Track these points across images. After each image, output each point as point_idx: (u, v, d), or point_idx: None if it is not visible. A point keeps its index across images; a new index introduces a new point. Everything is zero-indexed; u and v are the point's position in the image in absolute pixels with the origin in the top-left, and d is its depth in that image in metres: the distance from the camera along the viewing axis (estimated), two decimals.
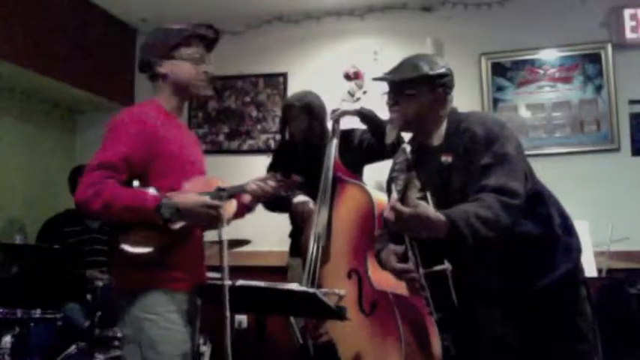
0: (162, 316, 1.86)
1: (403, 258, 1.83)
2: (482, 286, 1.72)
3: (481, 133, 1.75)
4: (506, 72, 3.87)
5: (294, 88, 3.83)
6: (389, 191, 1.91)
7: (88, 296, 3.02)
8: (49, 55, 3.67)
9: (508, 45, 3.86)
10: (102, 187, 1.79)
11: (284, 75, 4.23)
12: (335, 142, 2.81)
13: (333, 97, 2.93)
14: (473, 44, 3.89)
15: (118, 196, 1.80)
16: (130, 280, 1.90)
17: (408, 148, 1.59)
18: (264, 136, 4.22)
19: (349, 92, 2.88)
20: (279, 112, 4.00)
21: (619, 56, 3.70)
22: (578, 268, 1.81)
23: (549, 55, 3.82)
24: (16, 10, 3.45)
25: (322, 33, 4.18)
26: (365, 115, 2.83)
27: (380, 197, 2.66)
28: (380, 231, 2.07)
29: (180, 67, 2.02)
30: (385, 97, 1.93)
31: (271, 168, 3.15)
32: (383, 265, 1.96)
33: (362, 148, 2.90)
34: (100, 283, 3.03)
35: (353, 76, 2.91)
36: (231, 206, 1.98)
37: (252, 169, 3.80)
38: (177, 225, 1.83)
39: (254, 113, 4.26)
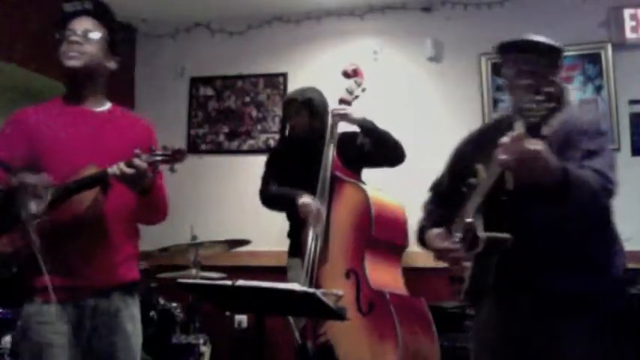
0: (29, 332, 1.80)
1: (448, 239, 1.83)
2: (522, 276, 1.72)
3: (590, 123, 1.79)
4: None
5: (294, 88, 3.82)
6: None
7: None
8: (48, 54, 3.65)
9: None
10: None
11: (284, 75, 4.23)
12: (333, 141, 2.81)
13: (333, 97, 2.93)
14: (473, 44, 3.89)
15: None
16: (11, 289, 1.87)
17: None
18: (264, 136, 4.22)
19: (348, 90, 2.88)
20: (279, 112, 4.00)
21: (619, 56, 3.70)
22: (620, 283, 1.81)
23: None
24: (14, 9, 3.45)
25: (322, 33, 4.17)
26: (367, 129, 2.82)
27: (377, 196, 2.66)
28: (430, 207, 2.03)
29: (59, 49, 1.92)
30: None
31: (269, 165, 3.14)
32: (424, 243, 1.94)
33: (363, 152, 2.89)
34: None
35: (352, 74, 2.92)
36: (85, 196, 1.79)
37: (252, 169, 3.80)
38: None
39: (254, 113, 4.26)
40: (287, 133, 3.06)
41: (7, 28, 3.42)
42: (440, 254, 1.84)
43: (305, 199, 2.77)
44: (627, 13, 3.67)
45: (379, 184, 2.89)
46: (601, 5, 3.74)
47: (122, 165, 1.73)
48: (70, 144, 1.88)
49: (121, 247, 1.94)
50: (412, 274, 2.84)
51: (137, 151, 1.74)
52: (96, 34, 1.95)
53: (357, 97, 2.89)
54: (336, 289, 2.16)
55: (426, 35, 3.96)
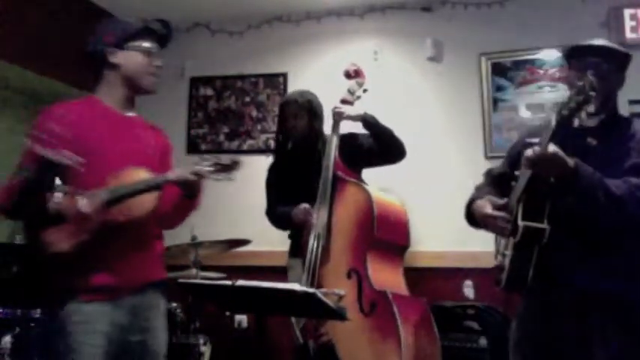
0: (65, 331, 1.80)
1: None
2: (561, 271, 1.75)
3: None
4: (506, 72, 3.86)
5: (294, 88, 3.83)
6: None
7: None
8: (47, 54, 3.66)
9: (508, 45, 3.85)
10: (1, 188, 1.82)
11: (284, 75, 4.22)
12: (335, 141, 2.81)
13: (334, 97, 2.93)
14: (473, 44, 3.89)
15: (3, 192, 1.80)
16: (51, 289, 1.86)
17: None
18: (264, 136, 4.22)
19: (349, 90, 2.88)
20: None
21: None
22: None
23: (549, 55, 3.81)
24: (14, 9, 3.45)
25: (322, 33, 4.17)
26: (369, 123, 2.81)
27: (380, 196, 2.66)
28: (486, 188, 2.08)
29: (133, 59, 2.02)
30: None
31: (273, 169, 3.14)
32: (472, 213, 1.99)
33: (362, 151, 2.89)
34: None
35: (353, 74, 2.91)
36: (147, 199, 1.87)
37: (252, 169, 3.80)
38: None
39: (254, 113, 4.26)
40: (285, 135, 3.05)
41: (8, 28, 3.41)
42: (487, 219, 1.88)
43: (296, 213, 2.78)
44: (627, 13, 3.67)
45: (378, 184, 2.89)
46: (601, 5, 3.73)
47: (185, 172, 1.87)
48: (112, 146, 1.93)
49: (155, 247, 2.03)
50: (412, 274, 2.83)
51: (200, 158, 1.89)
52: None
53: (358, 97, 2.89)
54: (338, 289, 2.16)
55: (426, 35, 3.96)
